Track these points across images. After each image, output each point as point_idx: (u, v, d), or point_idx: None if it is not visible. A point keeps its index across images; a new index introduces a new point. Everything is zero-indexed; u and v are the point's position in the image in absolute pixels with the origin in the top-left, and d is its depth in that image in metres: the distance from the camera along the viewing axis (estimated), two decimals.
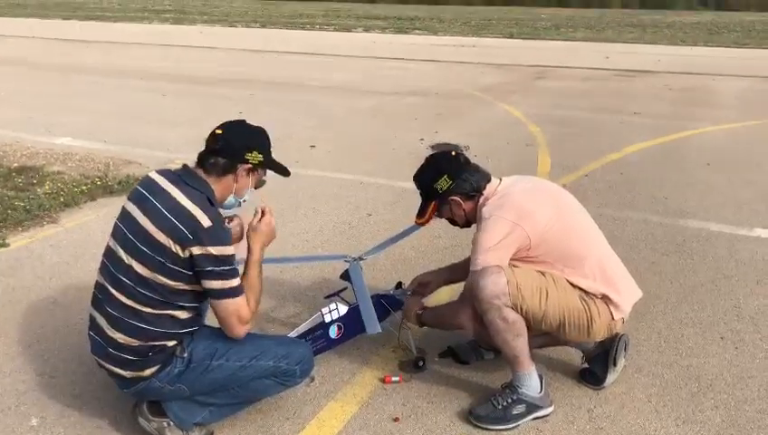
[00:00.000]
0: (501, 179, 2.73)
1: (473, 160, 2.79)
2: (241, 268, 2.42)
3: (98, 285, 2.42)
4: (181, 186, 2.31)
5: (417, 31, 22.54)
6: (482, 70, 13.05)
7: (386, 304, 2.96)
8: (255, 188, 2.55)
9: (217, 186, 2.38)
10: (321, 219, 4.82)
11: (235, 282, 2.33)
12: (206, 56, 14.95)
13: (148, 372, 2.33)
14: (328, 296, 3.11)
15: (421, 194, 2.78)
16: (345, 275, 3.05)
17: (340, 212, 4.97)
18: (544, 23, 26.21)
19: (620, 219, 4.83)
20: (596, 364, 2.84)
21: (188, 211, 2.24)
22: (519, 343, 2.58)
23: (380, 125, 8.12)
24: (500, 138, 7.18)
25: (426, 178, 2.74)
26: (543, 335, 2.80)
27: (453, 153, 2.76)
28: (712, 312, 3.50)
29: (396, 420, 2.62)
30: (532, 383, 2.63)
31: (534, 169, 6.03)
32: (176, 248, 2.22)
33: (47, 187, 5.33)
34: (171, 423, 2.43)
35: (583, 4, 39.22)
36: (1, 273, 3.88)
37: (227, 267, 2.29)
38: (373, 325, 2.64)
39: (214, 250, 2.24)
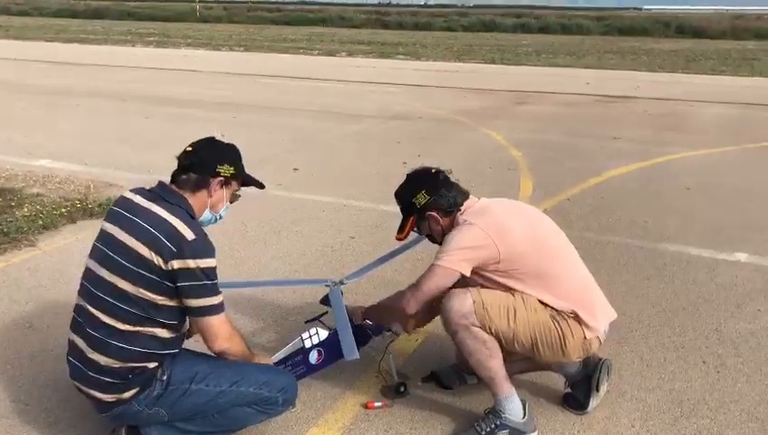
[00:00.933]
0: (479, 199, 2.76)
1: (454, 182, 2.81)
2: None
3: (77, 308, 2.39)
4: (160, 202, 2.32)
5: (401, 56, 22.73)
6: (464, 94, 13.16)
7: (367, 329, 2.93)
8: (231, 203, 2.56)
9: (193, 201, 2.39)
10: (304, 242, 4.80)
11: (217, 299, 2.33)
12: (189, 79, 14.95)
13: (127, 394, 2.31)
14: (308, 321, 3.07)
15: (401, 210, 2.81)
16: (325, 300, 3.02)
17: (323, 235, 4.95)
18: (526, 48, 26.55)
19: (602, 243, 4.85)
20: (579, 389, 2.83)
21: (172, 225, 2.25)
22: (493, 363, 2.57)
23: (364, 148, 8.14)
24: (482, 162, 7.22)
25: (405, 193, 2.78)
26: (523, 360, 2.80)
27: (433, 171, 2.80)
28: (693, 336, 3.51)
29: None
30: (514, 408, 2.61)
31: (516, 193, 6.06)
32: (159, 261, 2.22)
33: (26, 209, 5.25)
34: None
35: (564, 31, 39.79)
36: None
37: (210, 282, 2.29)
38: (351, 351, 2.60)
39: (198, 263, 2.25)
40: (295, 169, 6.85)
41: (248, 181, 2.58)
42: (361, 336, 2.83)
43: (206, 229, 2.41)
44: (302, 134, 8.90)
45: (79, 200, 5.45)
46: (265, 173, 6.58)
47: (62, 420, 2.69)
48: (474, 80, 15.57)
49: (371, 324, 2.91)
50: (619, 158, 7.67)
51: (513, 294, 2.58)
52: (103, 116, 9.95)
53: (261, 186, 2.63)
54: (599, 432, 2.71)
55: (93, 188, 5.92)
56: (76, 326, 2.38)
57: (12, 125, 9.03)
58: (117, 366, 2.28)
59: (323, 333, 2.81)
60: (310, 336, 2.80)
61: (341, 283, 3.00)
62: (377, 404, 2.82)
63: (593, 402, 2.82)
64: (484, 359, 2.56)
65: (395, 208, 2.85)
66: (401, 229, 2.81)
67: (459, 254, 2.54)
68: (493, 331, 2.54)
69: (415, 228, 2.81)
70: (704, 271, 4.39)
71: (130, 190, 2.43)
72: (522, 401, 2.65)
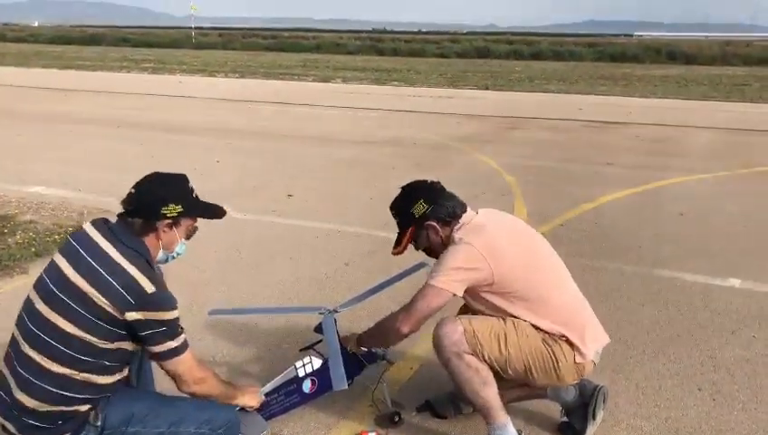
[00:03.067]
0: (477, 211, 2.73)
1: None
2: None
3: (11, 340, 2.26)
4: (119, 246, 2.21)
5: (395, 82, 22.91)
6: (458, 120, 13.25)
7: (361, 357, 2.91)
8: (188, 239, 2.43)
9: (147, 243, 2.28)
10: (298, 269, 4.78)
11: (179, 340, 2.25)
12: (184, 105, 15.02)
13: None
14: (302, 349, 3.05)
15: (398, 223, 2.76)
16: (319, 328, 3.00)
17: (317, 262, 4.93)
18: (518, 75, 26.82)
19: (596, 268, 4.85)
20: (575, 417, 2.81)
21: (131, 276, 2.15)
22: (487, 392, 2.55)
23: (358, 174, 8.16)
24: (476, 187, 7.24)
25: (402, 203, 2.73)
26: (518, 388, 2.78)
27: (429, 181, 2.78)
28: (689, 363, 3.50)
29: None
30: None
31: None
32: (113, 311, 2.13)
33: (18, 236, 5.23)
34: None
35: (556, 57, 40.22)
36: None
37: (168, 328, 2.21)
38: (340, 381, 2.57)
39: (157, 316, 2.17)
40: (290, 196, 6.86)
41: (202, 214, 2.42)
42: (355, 365, 2.81)
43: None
44: (297, 160, 8.92)
45: (72, 227, 5.43)
46: (260, 199, 6.65)
47: None
48: (467, 106, 15.69)
49: (365, 352, 2.89)
50: (612, 183, 7.71)
51: (504, 320, 2.57)
52: (98, 142, 9.96)
53: (218, 215, 2.47)
54: None
55: (87, 215, 5.90)
56: (8, 359, 2.24)
57: (5, 151, 9.03)
58: (44, 410, 2.15)
59: (317, 362, 2.79)
60: (303, 365, 2.77)
61: (335, 311, 2.98)
62: (371, 434, 2.79)
63: (590, 430, 2.79)
64: (478, 388, 2.54)
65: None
66: (398, 243, 2.75)
67: (453, 274, 2.51)
68: (485, 358, 2.52)
69: (412, 242, 2.74)
70: (698, 297, 4.39)
71: (91, 223, 2.31)
72: (518, 431, 2.63)
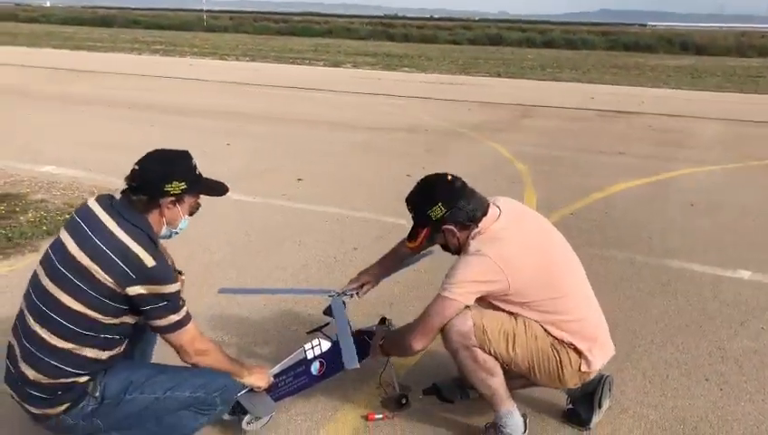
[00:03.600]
0: (499, 209, 2.61)
1: None
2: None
3: (18, 312, 2.31)
4: (121, 222, 2.23)
5: (406, 68, 22.80)
6: (469, 107, 13.19)
7: (369, 339, 2.92)
8: (191, 215, 2.44)
9: (150, 219, 2.30)
10: (307, 253, 4.80)
11: (181, 314, 2.30)
12: (195, 88, 15.02)
13: (57, 410, 2.24)
14: (310, 332, 3.07)
15: (413, 218, 2.69)
16: (328, 311, 3.02)
17: (326, 246, 4.95)
18: (531, 63, 26.63)
19: (605, 258, 4.84)
20: (581, 406, 2.82)
21: (132, 251, 2.17)
22: (494, 382, 2.55)
23: (368, 160, 8.15)
24: (487, 175, 7.22)
25: (419, 203, 2.62)
26: (524, 377, 2.77)
27: (449, 178, 2.63)
28: (696, 353, 3.50)
29: None
30: (515, 423, 2.60)
31: None
32: (114, 286, 2.16)
33: (30, 215, 5.27)
34: None
35: (568, 45, 39.88)
36: None
37: (170, 302, 2.25)
38: (352, 360, 2.59)
39: (158, 289, 2.20)
40: (299, 180, 6.86)
41: (205, 191, 2.43)
42: (362, 348, 2.82)
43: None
44: (307, 145, 8.92)
45: None
46: (270, 183, 6.66)
47: None
48: (479, 93, 15.61)
49: (372, 335, 2.91)
50: (623, 173, 7.66)
51: (516, 318, 2.54)
52: (108, 123, 9.99)
53: (222, 192, 2.46)
54: None
55: (97, 194, 5.92)
56: (15, 331, 2.30)
57: (17, 131, 9.07)
58: (45, 382, 2.20)
59: (326, 345, 2.80)
60: (312, 347, 2.79)
61: (344, 293, 2.99)
62: (377, 416, 2.81)
63: (595, 419, 2.80)
64: (485, 378, 2.55)
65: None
66: (413, 238, 2.70)
67: (467, 286, 2.47)
68: (492, 353, 2.52)
69: (428, 239, 2.70)
70: (707, 288, 4.37)
71: (95, 199, 2.33)
72: (522, 415, 2.64)
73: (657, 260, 4.86)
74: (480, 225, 2.56)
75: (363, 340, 2.86)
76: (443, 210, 2.55)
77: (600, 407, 2.80)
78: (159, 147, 2.43)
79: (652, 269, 4.68)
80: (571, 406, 2.86)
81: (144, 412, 2.32)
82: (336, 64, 23.48)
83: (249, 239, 5.03)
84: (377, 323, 3.21)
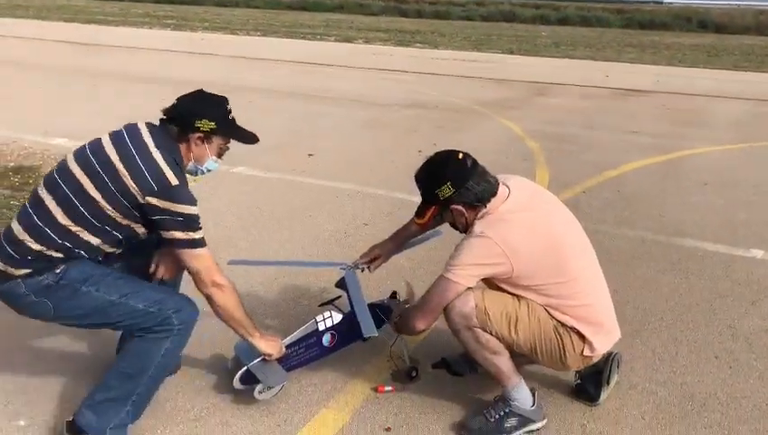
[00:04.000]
0: (508, 189, 2.57)
1: None
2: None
3: (34, 200, 2.39)
4: (157, 141, 2.39)
5: (418, 44, 22.59)
6: (482, 84, 13.09)
7: (380, 313, 2.94)
8: (219, 157, 2.57)
9: (180, 149, 2.45)
10: (317, 228, 4.81)
11: (197, 234, 2.37)
12: (206, 63, 14.98)
13: (18, 272, 2.32)
14: (322, 304, 3.09)
15: (422, 195, 2.66)
16: (340, 284, 3.04)
17: (337, 221, 4.96)
18: (544, 40, 26.31)
19: (617, 236, 4.83)
20: (589, 382, 2.83)
21: (159, 166, 2.32)
22: (498, 360, 2.56)
23: (379, 136, 8.13)
24: (498, 152, 7.19)
25: (427, 181, 2.58)
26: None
27: (459, 156, 2.58)
28: (707, 331, 3.50)
29: (388, 429, 2.61)
30: (523, 396, 2.62)
31: None
32: (136, 192, 2.28)
33: None
34: None
35: (583, 23, 39.32)
36: None
37: (186, 220, 2.33)
38: (370, 329, 2.62)
39: (176, 207, 2.31)
40: (310, 155, 6.86)
41: (234, 135, 2.55)
42: (375, 320, 2.84)
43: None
44: (318, 120, 8.90)
45: None
46: (281, 158, 6.66)
47: (78, 396, 2.72)
48: (492, 70, 15.47)
49: (386, 307, 2.93)
50: (636, 151, 7.61)
51: (519, 301, 2.53)
52: (120, 97, 9.99)
53: (252, 140, 2.57)
54: (608, 423, 2.71)
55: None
56: (18, 213, 2.43)
57: (29, 104, 9.10)
58: (27, 245, 2.31)
59: (337, 317, 2.83)
60: (324, 319, 2.82)
61: (356, 267, 3.01)
62: (387, 388, 2.84)
63: (603, 395, 2.81)
64: (488, 356, 2.56)
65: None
66: (421, 214, 2.68)
67: (470, 269, 2.46)
68: (493, 334, 2.52)
69: (436, 217, 2.69)
70: (719, 267, 4.36)
71: (144, 122, 2.48)
72: (531, 389, 2.66)
73: (668, 239, 4.84)
74: (488, 205, 2.53)
75: (375, 313, 2.88)
76: (451, 190, 2.51)
77: (608, 383, 2.81)
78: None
79: (663, 247, 4.67)
80: (579, 382, 2.87)
81: (95, 313, 2.37)
82: (348, 40, 23.30)
83: (261, 213, 5.04)
84: (387, 297, 3.23)
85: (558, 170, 6.62)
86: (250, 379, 2.65)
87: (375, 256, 3.04)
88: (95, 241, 2.36)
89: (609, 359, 2.79)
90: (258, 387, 2.64)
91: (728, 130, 9.32)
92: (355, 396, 2.81)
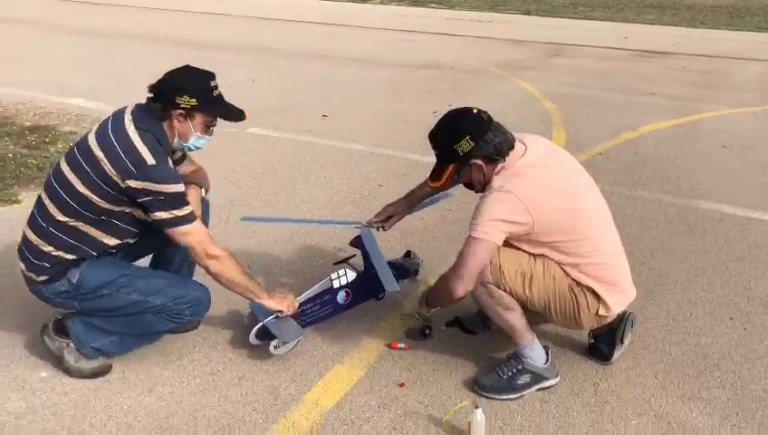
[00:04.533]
0: (525, 146, 2.53)
1: None
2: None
3: (36, 203, 2.51)
4: (137, 124, 2.38)
5: (433, 4, 22.21)
6: (498, 45, 12.90)
7: (394, 273, 2.95)
8: (205, 133, 2.52)
9: (164, 127, 2.45)
10: (332, 189, 4.81)
11: (182, 211, 2.38)
12: (220, 23, 14.84)
13: (39, 278, 2.46)
14: (337, 263, 3.11)
15: (437, 155, 2.59)
16: (354, 242, 3.05)
17: (351, 182, 4.95)
18: (562, 0, 25.79)
19: (633, 198, 4.79)
20: (603, 341, 2.83)
21: (136, 148, 2.32)
22: (511, 316, 2.56)
23: (393, 97, 8.06)
24: (515, 114, 7.11)
25: (445, 138, 2.51)
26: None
27: (475, 111, 2.52)
28: (722, 293, 3.48)
29: (401, 385, 2.64)
30: (536, 354, 2.63)
31: None
32: (115, 177, 2.30)
33: (59, 145, 5.35)
34: (71, 344, 2.54)
35: None
36: (14, 227, 3.89)
37: (169, 198, 2.35)
38: (391, 283, 2.63)
39: (156, 187, 2.31)
40: (324, 116, 6.82)
41: (216, 112, 2.50)
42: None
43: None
44: (332, 81, 8.83)
45: None
46: (295, 118, 6.64)
47: None
48: (508, 30, 15.22)
49: (399, 266, 2.95)
50: (655, 114, 7.50)
51: (535, 259, 2.51)
52: (134, 57, 9.94)
53: (235, 118, 2.52)
54: (621, 382, 2.72)
55: None
56: (31, 220, 2.51)
57: (45, 64, 9.09)
58: (40, 248, 2.41)
59: (351, 275, 2.85)
60: (338, 277, 2.84)
61: (370, 225, 3.02)
62: (400, 345, 2.86)
63: (617, 354, 2.82)
64: (502, 313, 2.56)
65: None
66: (437, 176, 2.60)
67: (496, 225, 2.40)
68: (507, 291, 2.51)
69: (453, 177, 2.60)
70: (736, 229, 4.32)
71: (134, 104, 2.49)
72: (544, 347, 2.67)
73: (685, 201, 4.80)
74: (507, 159, 2.49)
75: (389, 271, 2.89)
76: (470, 144, 2.45)
77: (621, 343, 2.82)
78: None
79: (680, 209, 4.63)
80: (592, 341, 2.88)
81: (118, 309, 2.49)
82: (363, 0, 22.97)
83: (275, 174, 5.04)
84: (402, 256, 3.25)
85: (575, 132, 6.55)
86: (265, 335, 2.68)
87: (389, 215, 3.03)
88: (97, 234, 2.42)
89: (623, 318, 2.79)
90: (273, 342, 2.67)
91: (748, 93, 9.15)
92: (370, 352, 2.84)
